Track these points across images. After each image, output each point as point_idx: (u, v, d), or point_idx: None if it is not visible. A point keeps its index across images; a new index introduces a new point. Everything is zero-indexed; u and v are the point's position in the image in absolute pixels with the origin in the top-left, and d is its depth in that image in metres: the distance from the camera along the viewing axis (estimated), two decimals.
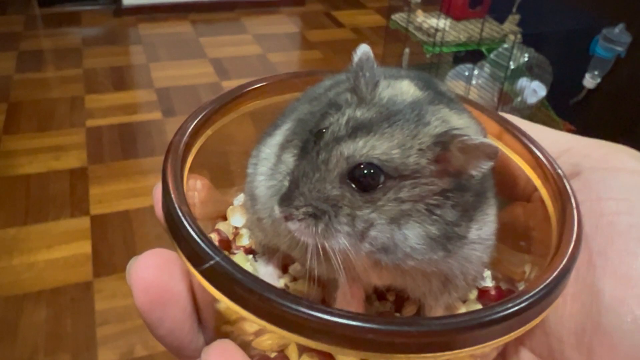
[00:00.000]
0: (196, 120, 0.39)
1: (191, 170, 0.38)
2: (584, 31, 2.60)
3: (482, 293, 0.43)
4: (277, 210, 0.35)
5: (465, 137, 0.33)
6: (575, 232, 0.34)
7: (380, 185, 0.34)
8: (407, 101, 0.36)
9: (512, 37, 2.63)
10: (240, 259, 0.44)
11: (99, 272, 1.94)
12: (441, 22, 2.69)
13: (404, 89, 0.37)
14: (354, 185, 0.34)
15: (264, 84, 0.45)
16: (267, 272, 0.45)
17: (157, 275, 0.35)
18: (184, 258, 0.31)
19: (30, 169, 2.43)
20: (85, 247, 2.04)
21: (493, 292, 0.43)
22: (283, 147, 0.41)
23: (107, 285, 1.90)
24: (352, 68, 0.38)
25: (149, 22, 3.86)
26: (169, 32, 3.78)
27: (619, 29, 2.49)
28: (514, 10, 2.79)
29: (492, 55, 2.66)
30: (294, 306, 0.27)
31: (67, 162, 2.49)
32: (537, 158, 0.40)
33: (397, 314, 0.43)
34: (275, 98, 0.46)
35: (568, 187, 0.37)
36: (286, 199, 0.35)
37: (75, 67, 3.27)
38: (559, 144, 0.43)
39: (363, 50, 0.38)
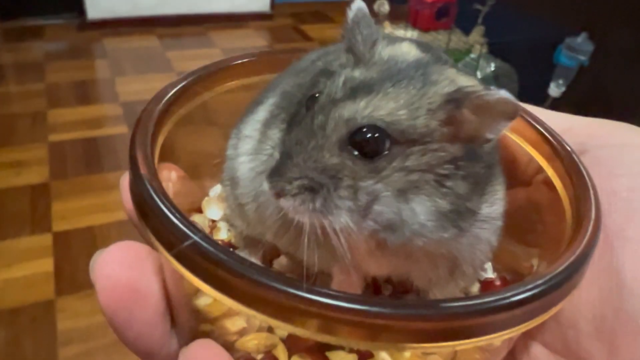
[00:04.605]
0: (168, 95, 0.35)
1: (164, 158, 0.34)
2: (548, 41, 2.64)
3: (486, 285, 0.40)
4: (266, 186, 0.31)
5: (482, 92, 0.29)
6: (594, 206, 0.31)
7: (386, 152, 0.30)
8: (409, 60, 0.33)
9: (478, 47, 2.66)
10: None
11: (62, 291, 1.87)
12: (408, 34, 2.71)
13: (405, 49, 0.34)
14: (355, 152, 0.30)
15: (247, 60, 0.41)
16: None
17: (125, 271, 0.31)
18: (155, 241, 0.26)
19: None
20: (47, 265, 1.96)
21: (498, 283, 0.39)
22: (267, 124, 0.37)
23: (70, 304, 1.82)
24: (347, 25, 0.34)
25: (115, 37, 3.80)
26: (135, 46, 3.72)
27: (581, 38, 2.53)
28: (479, 21, 2.83)
29: (459, 66, 2.69)
30: (291, 290, 0.23)
31: (28, 178, 2.41)
32: (541, 135, 0.37)
33: None
34: (262, 77, 0.42)
35: (579, 162, 0.34)
36: (277, 172, 0.30)
37: (37, 81, 3.19)
38: (558, 123, 0.40)
39: (358, 6, 0.34)
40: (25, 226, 2.14)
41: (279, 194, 0.30)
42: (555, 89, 2.59)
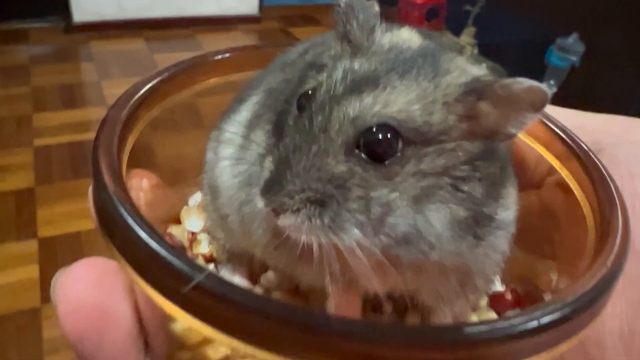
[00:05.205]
0: (140, 92, 0.31)
1: (136, 164, 0.31)
2: (538, 41, 2.63)
3: (496, 299, 0.36)
4: (260, 203, 0.27)
5: (508, 82, 0.26)
6: (621, 211, 0.28)
7: (398, 154, 0.27)
8: (413, 48, 0.30)
9: (469, 48, 2.65)
10: None
11: (48, 298, 1.78)
12: None
13: (406, 36, 0.31)
14: (364, 156, 0.27)
15: (228, 55, 0.37)
16: None
17: (90, 291, 0.28)
18: (121, 260, 0.23)
19: None
20: (32, 272, 1.92)
21: (509, 297, 0.36)
22: (252, 124, 0.33)
23: (56, 312, 1.77)
24: (340, 9, 0.31)
25: (101, 40, 3.75)
26: (121, 49, 3.68)
27: (572, 39, 2.53)
28: (470, 22, 2.82)
29: None
30: (283, 316, 0.19)
31: (13, 183, 2.36)
32: (552, 132, 0.34)
33: None
34: (245, 74, 0.38)
35: (599, 162, 0.31)
36: (274, 185, 0.27)
37: (22, 85, 3.14)
38: (569, 120, 0.37)
39: None
40: (10, 232, 2.10)
41: (278, 211, 0.26)
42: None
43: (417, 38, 0.31)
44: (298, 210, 0.26)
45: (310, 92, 0.29)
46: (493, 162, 0.29)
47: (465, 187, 0.28)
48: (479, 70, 0.30)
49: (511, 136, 0.28)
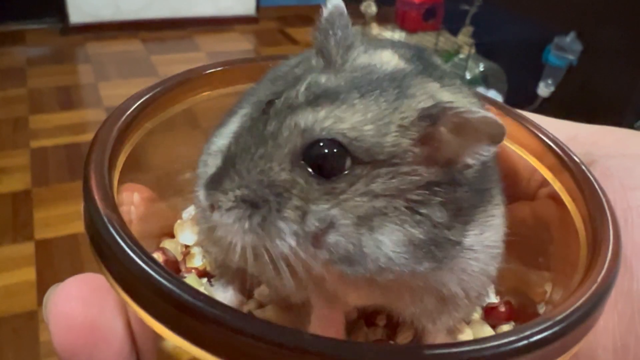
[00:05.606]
0: (131, 109, 0.31)
1: (128, 178, 0.31)
2: (536, 40, 2.63)
3: (490, 311, 0.36)
4: (202, 196, 0.27)
5: (461, 109, 0.26)
6: (612, 227, 0.28)
7: (346, 172, 0.27)
8: (386, 71, 0.29)
9: (466, 48, 2.64)
10: (192, 283, 0.36)
11: None
12: (396, 35, 2.69)
13: (385, 59, 0.31)
14: (310, 170, 0.27)
15: (221, 68, 0.37)
16: (226, 299, 0.37)
17: (82, 308, 0.28)
18: (112, 280, 0.23)
19: None
20: (29, 274, 1.92)
21: (503, 309, 0.36)
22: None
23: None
24: (320, 25, 0.31)
25: (98, 41, 3.75)
26: (118, 50, 3.68)
27: (570, 38, 2.52)
28: (467, 22, 2.81)
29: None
30: (279, 339, 0.19)
31: (9, 185, 2.36)
32: (545, 144, 0.33)
33: (391, 342, 0.35)
34: (237, 87, 0.38)
35: (590, 176, 0.31)
36: (215, 180, 0.27)
37: (19, 87, 3.14)
38: (562, 132, 0.37)
39: (335, 3, 0.31)
40: (7, 234, 2.10)
41: (213, 206, 0.26)
42: (544, 89, 2.58)
43: (397, 61, 0.31)
44: (230, 209, 0.26)
45: (276, 100, 0.29)
46: (459, 187, 0.28)
47: (423, 211, 0.27)
48: (450, 97, 0.29)
49: (468, 166, 0.28)
